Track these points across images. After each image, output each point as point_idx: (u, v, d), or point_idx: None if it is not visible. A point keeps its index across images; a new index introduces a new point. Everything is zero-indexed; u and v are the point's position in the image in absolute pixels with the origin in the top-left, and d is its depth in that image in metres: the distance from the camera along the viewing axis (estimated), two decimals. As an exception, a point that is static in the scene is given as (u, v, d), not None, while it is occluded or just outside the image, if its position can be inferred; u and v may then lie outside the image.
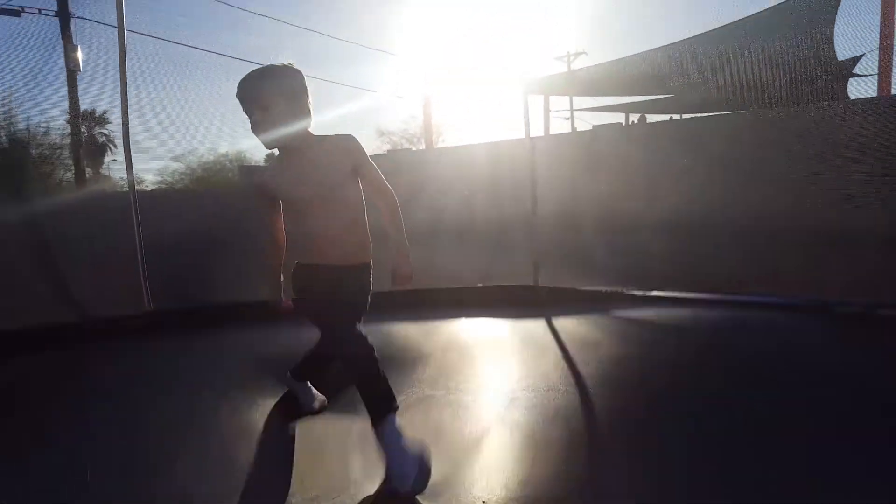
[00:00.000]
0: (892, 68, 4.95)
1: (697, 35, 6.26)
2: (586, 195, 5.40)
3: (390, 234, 1.89)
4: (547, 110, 13.74)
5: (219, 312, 3.69)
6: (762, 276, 4.07)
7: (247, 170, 6.66)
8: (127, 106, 3.43)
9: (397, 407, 1.69)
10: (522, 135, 4.63)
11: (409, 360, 2.72)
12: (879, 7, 4.69)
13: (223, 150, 5.85)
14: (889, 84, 4.89)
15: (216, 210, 5.49)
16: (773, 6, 5.82)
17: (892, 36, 4.75)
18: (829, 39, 5.39)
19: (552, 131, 14.41)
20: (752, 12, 5.82)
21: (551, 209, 4.85)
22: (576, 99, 15.12)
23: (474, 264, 5.01)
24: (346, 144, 1.81)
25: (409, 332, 3.17)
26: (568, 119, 17.14)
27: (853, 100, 5.31)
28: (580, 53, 16.15)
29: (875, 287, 3.69)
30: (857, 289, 3.70)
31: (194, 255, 4.29)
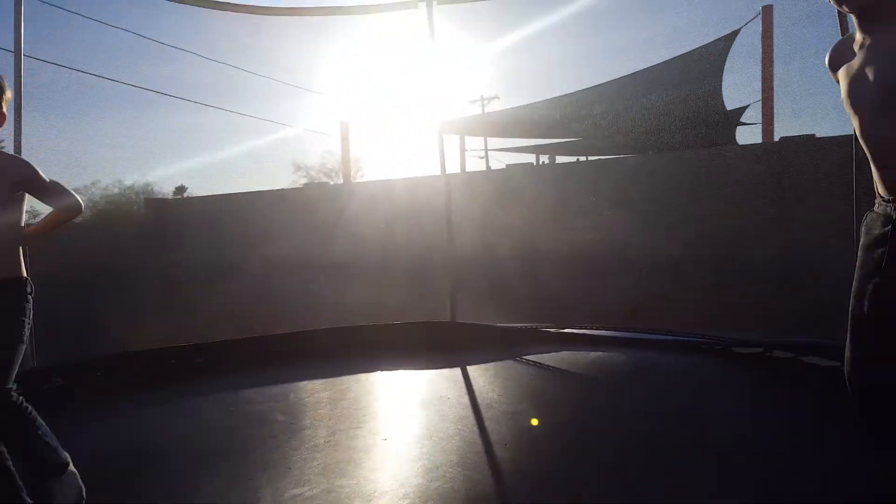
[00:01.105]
0: (773, 117, 5.50)
1: (600, 84, 6.73)
2: (500, 230, 5.58)
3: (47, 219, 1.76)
4: (462, 149, 14.14)
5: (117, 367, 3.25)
6: (661, 307, 4.34)
7: (154, 203, 6.37)
8: (21, 135, 3.21)
9: None
10: (439, 171, 4.73)
11: (317, 405, 2.65)
12: (760, 61, 5.23)
13: (129, 181, 5.57)
14: (771, 130, 5.45)
15: (117, 243, 5.20)
16: (666, 60, 6.38)
17: (772, 88, 5.29)
18: (718, 92, 5.97)
19: (468, 169, 14.82)
20: (648, 65, 6.29)
21: (467, 242, 4.97)
22: (490, 139, 15.69)
23: (391, 298, 5.01)
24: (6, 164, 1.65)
25: (313, 387, 3.04)
26: (483, 158, 17.70)
27: (742, 145, 5.87)
28: (493, 98, 16.81)
29: (767, 322, 4.03)
30: (748, 323, 4.03)
31: (87, 292, 4.01)
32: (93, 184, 5.13)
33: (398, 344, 3.49)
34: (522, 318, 4.19)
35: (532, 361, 3.13)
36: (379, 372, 3.11)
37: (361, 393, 2.77)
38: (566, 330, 3.51)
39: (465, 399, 2.56)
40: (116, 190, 5.61)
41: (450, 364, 3.13)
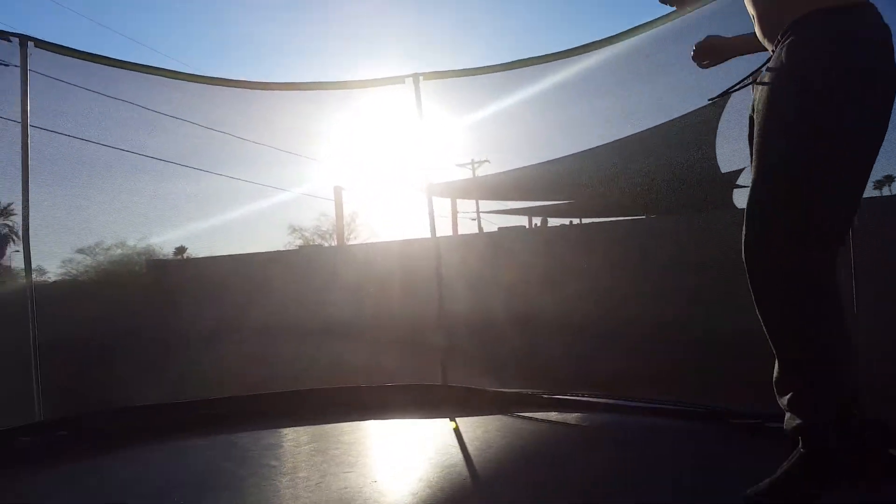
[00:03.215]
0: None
1: (593, 147, 6.89)
2: (492, 293, 5.63)
3: None
4: (454, 212, 14.41)
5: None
6: (653, 376, 4.32)
7: (155, 263, 6.49)
8: (28, 200, 3.34)
9: None
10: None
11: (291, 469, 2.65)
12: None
13: (131, 242, 5.73)
14: None
15: (118, 305, 5.28)
16: (658, 125, 6.55)
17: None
18: (712, 154, 6.05)
19: (461, 231, 15.06)
20: (641, 129, 6.37)
21: (458, 307, 5.02)
22: (482, 202, 16.00)
23: (383, 361, 5.01)
24: None
25: (298, 438, 3.06)
26: (475, 220, 17.99)
27: (740, 208, 5.90)
28: (484, 161, 17.27)
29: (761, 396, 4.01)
30: (741, 397, 4.01)
31: (94, 351, 4.04)
32: (97, 245, 5.29)
33: (388, 404, 3.52)
34: (514, 382, 4.21)
35: (524, 420, 3.14)
36: (371, 421, 3.19)
37: (353, 442, 2.83)
38: (559, 396, 3.52)
39: (456, 449, 2.60)
40: (120, 251, 5.77)
41: (440, 419, 3.19)
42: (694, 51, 1.62)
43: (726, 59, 1.62)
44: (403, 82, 3.65)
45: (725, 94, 1.50)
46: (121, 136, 4.51)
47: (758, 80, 1.38)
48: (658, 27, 3.43)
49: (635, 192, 6.23)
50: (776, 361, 1.38)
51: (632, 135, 6.16)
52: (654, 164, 6.23)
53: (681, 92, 4.44)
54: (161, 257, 6.68)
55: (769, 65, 1.34)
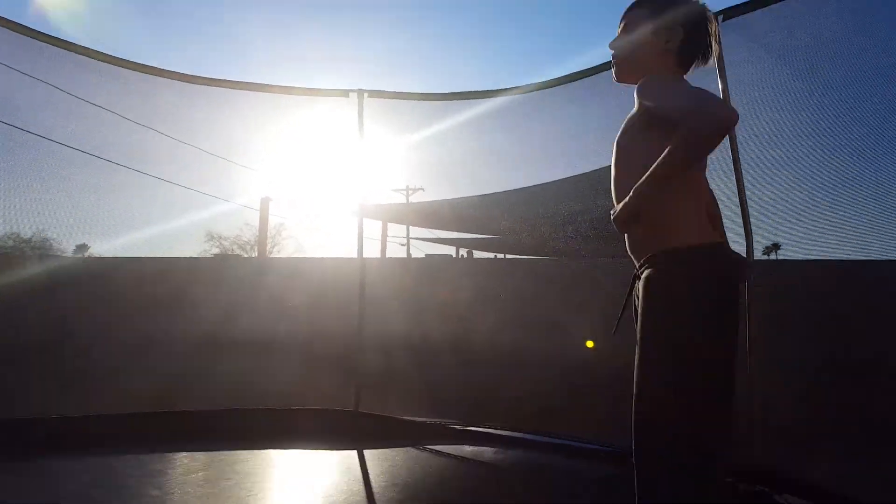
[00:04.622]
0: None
1: (526, 187, 7.03)
2: (414, 319, 5.54)
3: None
4: (384, 234, 14.28)
5: None
6: (567, 409, 4.36)
7: (50, 260, 5.79)
8: None
9: None
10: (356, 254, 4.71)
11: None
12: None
13: (26, 234, 5.08)
14: None
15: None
16: (590, 171, 6.77)
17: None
18: None
19: (389, 254, 14.90)
20: (573, 173, 6.50)
21: (380, 330, 4.87)
22: (413, 228, 15.96)
23: (293, 381, 4.77)
24: None
25: (197, 463, 2.81)
26: (404, 245, 17.93)
27: None
28: (419, 189, 17.33)
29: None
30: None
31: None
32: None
33: (294, 429, 3.31)
34: (429, 411, 4.10)
35: (434, 454, 3.03)
36: (270, 451, 2.93)
37: (248, 472, 2.58)
38: (472, 428, 3.44)
39: (359, 485, 2.44)
40: (11, 243, 5.06)
41: (347, 449, 3.01)
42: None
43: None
44: (347, 96, 3.57)
45: (619, 323, 1.63)
46: (28, 116, 4.12)
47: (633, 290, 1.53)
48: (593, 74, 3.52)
49: (551, 235, 6.40)
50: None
51: (566, 178, 6.34)
52: (574, 209, 6.45)
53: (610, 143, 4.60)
54: (58, 253, 6.06)
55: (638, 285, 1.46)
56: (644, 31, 1.52)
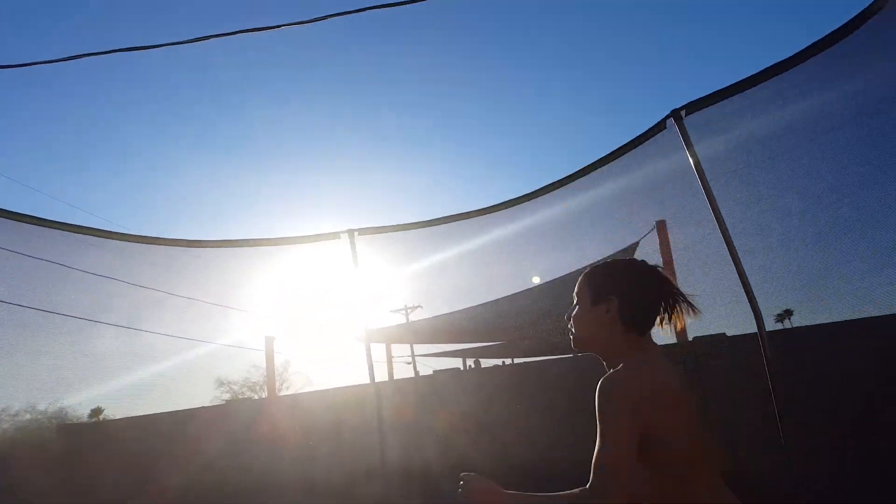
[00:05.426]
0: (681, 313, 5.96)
1: (518, 292, 7.22)
2: (430, 439, 5.51)
3: None
4: (389, 356, 14.25)
5: None
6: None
7: (67, 429, 5.88)
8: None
9: None
10: (367, 379, 4.81)
11: None
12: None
13: (42, 406, 5.21)
14: (683, 328, 5.87)
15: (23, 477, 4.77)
16: (574, 271, 7.01)
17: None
18: None
19: (396, 376, 14.78)
20: (558, 276, 6.75)
21: (397, 455, 4.86)
22: (417, 346, 15.98)
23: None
24: None
25: None
26: (410, 364, 17.81)
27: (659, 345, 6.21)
28: (416, 307, 17.56)
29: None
30: None
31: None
32: (2, 410, 4.78)
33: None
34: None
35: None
36: None
37: None
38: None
39: None
40: (28, 416, 5.18)
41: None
42: None
43: None
44: (339, 237, 3.74)
45: None
46: (40, 295, 4.35)
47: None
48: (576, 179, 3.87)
49: (560, 332, 6.46)
50: None
51: (555, 279, 6.56)
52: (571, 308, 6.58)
53: (597, 243, 4.93)
54: (74, 421, 6.12)
55: None
56: (585, 304, 1.57)
